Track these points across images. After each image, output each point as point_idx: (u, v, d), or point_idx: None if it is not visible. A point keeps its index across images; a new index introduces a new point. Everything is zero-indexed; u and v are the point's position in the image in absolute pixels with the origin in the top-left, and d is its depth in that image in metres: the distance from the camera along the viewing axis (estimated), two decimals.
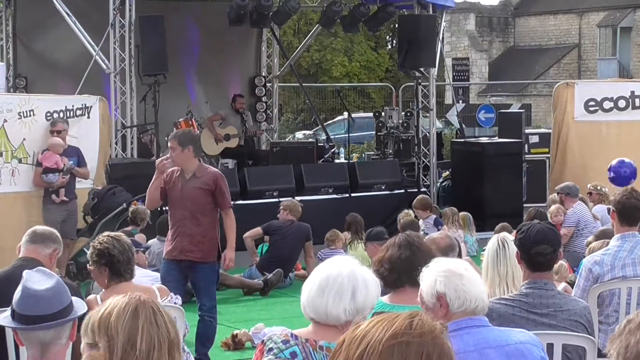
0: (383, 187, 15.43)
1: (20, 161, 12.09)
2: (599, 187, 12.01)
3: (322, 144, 17.60)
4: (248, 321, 9.92)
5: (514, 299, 4.92)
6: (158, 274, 8.04)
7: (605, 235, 7.72)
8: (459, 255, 6.46)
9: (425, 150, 16.49)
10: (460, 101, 23.71)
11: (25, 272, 3.74)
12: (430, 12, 16.45)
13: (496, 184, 15.24)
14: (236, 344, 9.09)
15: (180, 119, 15.60)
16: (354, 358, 2.29)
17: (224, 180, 8.28)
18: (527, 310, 4.87)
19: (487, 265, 5.64)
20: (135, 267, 6.07)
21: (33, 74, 16.53)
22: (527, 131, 18.05)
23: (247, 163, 16.56)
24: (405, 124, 17.51)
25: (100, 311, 2.95)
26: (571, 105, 15.55)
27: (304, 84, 22.54)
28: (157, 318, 2.90)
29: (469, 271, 3.98)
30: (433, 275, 3.95)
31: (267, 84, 19.30)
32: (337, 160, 17.93)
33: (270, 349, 3.61)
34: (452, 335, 3.15)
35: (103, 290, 5.82)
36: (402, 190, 15.61)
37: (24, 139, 12.13)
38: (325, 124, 22.59)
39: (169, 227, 8.34)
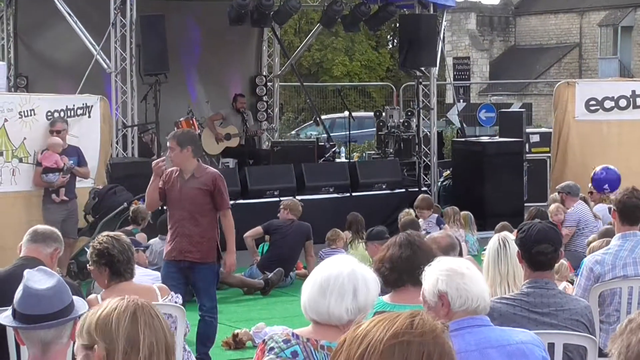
0: (384, 187, 15.43)
1: (20, 160, 12.09)
2: None
3: (322, 144, 17.60)
4: (249, 320, 9.92)
5: (515, 298, 4.92)
6: (158, 273, 8.03)
7: (609, 234, 7.72)
8: (460, 255, 6.45)
9: (426, 149, 16.48)
10: (461, 100, 23.72)
11: (26, 272, 3.74)
12: (431, 12, 16.44)
13: (497, 183, 15.23)
14: (237, 343, 9.09)
15: (181, 119, 15.61)
16: (355, 357, 2.29)
17: (222, 181, 8.24)
18: (528, 309, 4.86)
19: (488, 264, 5.64)
20: (136, 266, 6.07)
21: (34, 74, 16.53)
22: (527, 130, 18.04)
23: (247, 162, 16.56)
24: (406, 124, 17.51)
25: (97, 313, 2.92)
26: (572, 104, 15.55)
27: (304, 84, 22.52)
28: (155, 322, 2.89)
29: (471, 270, 3.98)
30: (435, 274, 3.95)
31: (268, 84, 19.30)
32: (337, 160, 17.93)
33: (272, 349, 3.61)
34: (454, 335, 3.15)
35: (104, 289, 5.82)
36: (403, 190, 15.61)
37: (25, 139, 12.13)
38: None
39: (168, 228, 8.33)
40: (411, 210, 12.86)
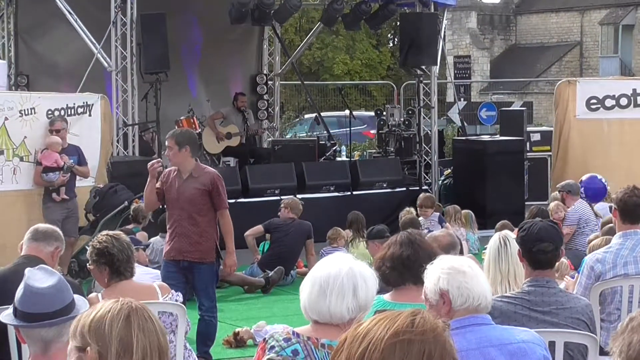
0: (384, 185, 15.43)
1: (21, 159, 12.09)
2: None
3: (323, 142, 17.60)
4: (250, 319, 9.92)
5: (516, 296, 4.92)
6: (159, 272, 8.03)
7: (612, 232, 7.71)
8: (461, 253, 6.45)
9: (426, 148, 16.48)
10: (462, 99, 23.72)
11: (27, 270, 3.75)
12: (432, 10, 16.44)
13: (498, 182, 15.23)
14: (238, 341, 9.09)
15: (182, 117, 15.61)
16: (355, 356, 2.29)
17: (221, 181, 8.21)
18: (528, 308, 4.86)
19: (488, 263, 5.65)
20: (136, 264, 6.07)
21: (34, 72, 16.53)
22: (528, 129, 18.03)
23: (248, 161, 16.55)
24: (406, 122, 17.51)
25: (91, 315, 2.90)
26: (573, 103, 15.54)
27: (305, 82, 22.52)
28: (149, 325, 2.88)
29: (473, 269, 3.98)
30: (437, 272, 3.95)
31: (269, 82, 19.30)
32: (338, 159, 17.93)
33: (272, 347, 3.61)
34: (455, 333, 3.14)
35: (104, 288, 5.82)
36: (404, 189, 15.61)
37: (25, 137, 12.14)
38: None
39: (167, 228, 8.32)
40: (412, 209, 12.86)
